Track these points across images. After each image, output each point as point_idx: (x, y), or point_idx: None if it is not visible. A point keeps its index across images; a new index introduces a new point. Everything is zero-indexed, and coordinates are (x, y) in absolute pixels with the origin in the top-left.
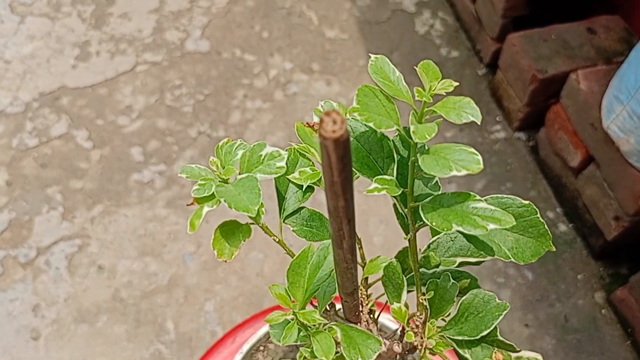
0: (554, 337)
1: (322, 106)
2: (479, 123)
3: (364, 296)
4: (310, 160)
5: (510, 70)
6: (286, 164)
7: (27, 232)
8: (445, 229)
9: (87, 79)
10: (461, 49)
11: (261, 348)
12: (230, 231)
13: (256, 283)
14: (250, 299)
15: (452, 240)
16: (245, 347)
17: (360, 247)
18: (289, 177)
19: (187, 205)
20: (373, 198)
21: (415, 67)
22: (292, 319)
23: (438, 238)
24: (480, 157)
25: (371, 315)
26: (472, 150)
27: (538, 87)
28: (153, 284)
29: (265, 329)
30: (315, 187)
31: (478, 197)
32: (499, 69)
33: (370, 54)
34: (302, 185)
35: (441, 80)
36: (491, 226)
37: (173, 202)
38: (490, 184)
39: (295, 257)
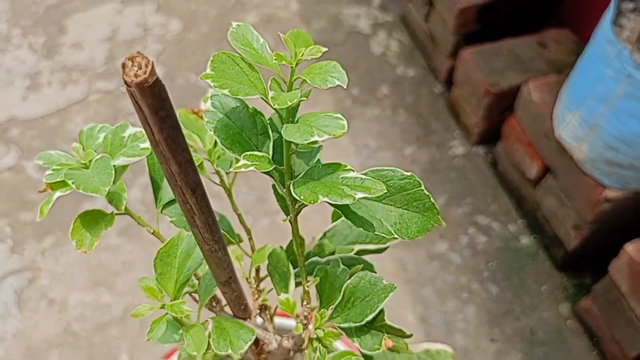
0: (521, 350)
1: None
2: (344, 87)
3: (254, 289)
4: (192, 147)
5: (464, 85)
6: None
7: None
8: (312, 202)
9: (38, 109)
10: (417, 68)
11: None
12: (94, 220)
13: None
14: None
15: (349, 227)
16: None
17: (250, 238)
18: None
19: (40, 191)
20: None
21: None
22: (163, 311)
23: (335, 225)
24: (345, 122)
25: (264, 313)
26: (338, 115)
27: (492, 100)
28: (107, 315)
29: None
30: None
31: (349, 167)
32: (454, 86)
33: (232, 22)
34: None
35: (312, 47)
36: (359, 195)
37: (127, 230)
38: (451, 200)
39: (162, 246)
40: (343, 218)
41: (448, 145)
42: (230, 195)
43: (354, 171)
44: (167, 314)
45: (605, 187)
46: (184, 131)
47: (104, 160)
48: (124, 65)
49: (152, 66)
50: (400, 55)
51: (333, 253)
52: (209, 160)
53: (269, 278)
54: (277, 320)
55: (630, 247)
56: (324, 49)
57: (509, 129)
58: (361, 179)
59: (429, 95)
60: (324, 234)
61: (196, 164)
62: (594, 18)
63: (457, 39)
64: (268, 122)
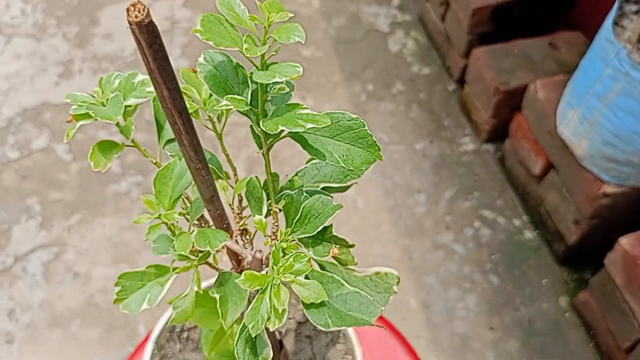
0: (519, 339)
1: (204, 57)
2: (303, 42)
3: (236, 215)
4: (191, 98)
5: (475, 83)
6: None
7: (5, 240)
8: (273, 130)
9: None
10: (432, 66)
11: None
12: (107, 148)
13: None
14: None
15: (317, 169)
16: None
17: (235, 174)
18: None
19: (67, 122)
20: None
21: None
22: (157, 221)
23: (305, 167)
24: (300, 69)
25: (244, 236)
26: (296, 64)
27: (501, 98)
28: None
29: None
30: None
31: (305, 106)
32: (466, 83)
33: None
34: None
35: (282, 12)
36: (309, 125)
37: (149, 212)
38: (458, 193)
39: (161, 169)
40: (312, 161)
41: (459, 141)
42: (220, 138)
43: (307, 109)
44: (162, 222)
45: (603, 182)
46: (184, 85)
47: (117, 97)
48: (128, 10)
49: (148, 11)
50: (416, 53)
51: (302, 186)
52: (203, 108)
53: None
54: None
55: (624, 240)
56: (291, 14)
57: (516, 126)
58: (312, 114)
59: (442, 92)
60: (296, 174)
61: (191, 111)
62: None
63: (471, 38)
64: (249, 74)
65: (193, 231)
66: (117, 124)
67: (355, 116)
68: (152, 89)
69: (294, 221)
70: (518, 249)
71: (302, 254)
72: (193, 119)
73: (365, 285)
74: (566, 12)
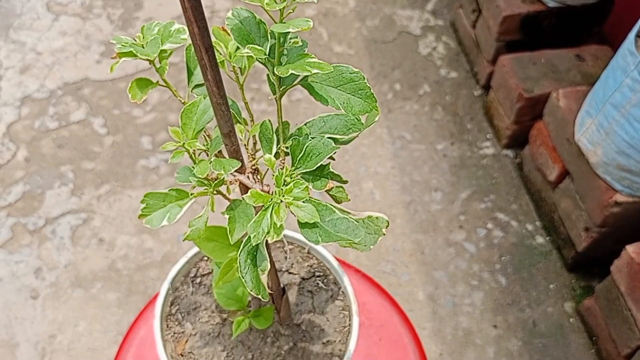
0: (521, 339)
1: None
2: (315, 2)
3: (250, 155)
4: (219, 51)
5: (500, 89)
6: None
7: (38, 203)
8: (283, 74)
9: (109, 73)
10: (460, 71)
11: (205, 258)
12: (144, 84)
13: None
14: None
15: (324, 122)
16: (190, 253)
17: (252, 120)
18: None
19: (112, 58)
20: (371, 160)
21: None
22: (182, 148)
23: (313, 119)
24: (311, 23)
25: (256, 175)
26: (308, 19)
27: (524, 105)
28: (147, 259)
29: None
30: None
31: (313, 56)
32: (491, 89)
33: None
34: None
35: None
36: (314, 70)
37: (175, 187)
38: (474, 194)
39: (187, 104)
40: (319, 115)
41: (479, 145)
42: (241, 88)
43: (314, 57)
44: (185, 150)
45: (616, 191)
46: (215, 40)
47: (155, 40)
48: None
49: None
50: (445, 57)
51: (308, 135)
52: (228, 60)
53: (262, 152)
54: (287, 232)
55: (631, 248)
56: None
57: (536, 132)
58: (318, 62)
59: (467, 97)
60: (305, 124)
61: (218, 61)
62: None
63: (499, 45)
64: (269, 30)
65: (211, 161)
66: (153, 63)
67: (356, 70)
68: (186, 36)
69: (298, 158)
70: (528, 253)
71: (301, 182)
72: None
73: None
74: (596, 27)
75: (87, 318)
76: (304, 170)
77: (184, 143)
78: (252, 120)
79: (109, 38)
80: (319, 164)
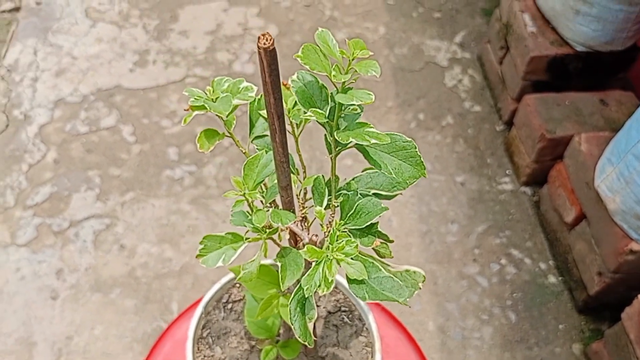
0: None
1: (297, 75)
2: (377, 76)
3: (301, 205)
4: None
5: (523, 127)
6: (258, 102)
7: (64, 205)
8: (344, 141)
9: (141, 82)
10: (484, 105)
11: (237, 285)
12: (211, 135)
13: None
14: None
15: (370, 178)
16: (224, 279)
17: (304, 171)
18: (260, 112)
19: (184, 110)
20: None
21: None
22: (242, 198)
23: (361, 174)
24: (373, 96)
25: (304, 223)
26: (369, 92)
27: (546, 145)
28: (166, 268)
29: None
30: None
31: (372, 126)
32: (513, 126)
33: (319, 27)
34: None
35: (364, 50)
36: (373, 141)
37: (197, 200)
38: (490, 229)
39: (250, 157)
40: (367, 171)
41: (498, 180)
42: (296, 141)
43: (374, 128)
44: (245, 199)
45: (632, 239)
46: None
47: (227, 97)
48: (259, 38)
49: (273, 41)
50: (470, 90)
51: (356, 190)
52: (287, 115)
53: (311, 201)
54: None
55: None
56: (371, 53)
57: (555, 173)
58: (377, 133)
59: (490, 131)
60: (353, 179)
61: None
62: None
63: (525, 84)
64: (330, 94)
65: (267, 210)
66: (221, 118)
67: (409, 139)
68: (253, 94)
69: (348, 215)
70: (540, 291)
71: (352, 240)
72: None
73: (396, 278)
74: (621, 73)
75: (104, 322)
76: (354, 227)
77: (244, 193)
78: (304, 172)
79: (143, 48)
80: (368, 223)
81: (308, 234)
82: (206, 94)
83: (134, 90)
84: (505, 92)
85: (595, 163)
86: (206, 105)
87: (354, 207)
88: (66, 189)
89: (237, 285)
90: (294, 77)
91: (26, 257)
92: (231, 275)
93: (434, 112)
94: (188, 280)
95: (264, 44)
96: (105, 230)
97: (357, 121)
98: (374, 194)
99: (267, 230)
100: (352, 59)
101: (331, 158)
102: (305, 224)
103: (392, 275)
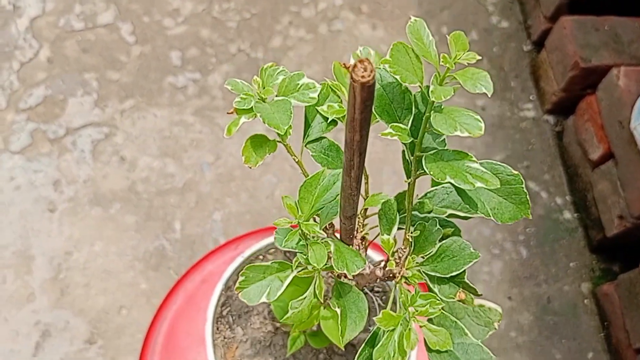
0: (533, 314)
1: (360, 51)
2: (489, 95)
3: (360, 224)
4: (339, 98)
5: (554, 52)
6: (318, 96)
7: (59, 110)
8: (440, 179)
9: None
10: (512, 21)
11: (260, 257)
12: (259, 143)
13: (265, 205)
14: (256, 218)
15: (447, 194)
16: (247, 252)
17: (367, 182)
18: (318, 108)
19: (228, 113)
20: (391, 150)
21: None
22: (296, 228)
23: (435, 189)
24: (482, 124)
25: (363, 242)
26: (477, 117)
27: (578, 74)
28: (168, 184)
29: (266, 241)
30: (338, 122)
31: (474, 158)
32: (544, 49)
33: (411, 16)
34: (328, 118)
35: (467, 51)
36: (478, 184)
37: (201, 111)
38: (508, 159)
39: (309, 177)
40: (443, 185)
41: (521, 106)
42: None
43: (477, 162)
44: (300, 229)
45: None
46: (335, 82)
47: (285, 103)
48: (355, 66)
49: (374, 74)
50: (499, 3)
51: (430, 212)
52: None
53: (373, 217)
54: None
55: None
56: (479, 57)
57: (585, 106)
58: (482, 171)
59: (516, 51)
60: (425, 194)
61: (339, 116)
62: None
63: (561, 2)
64: (414, 98)
65: (325, 243)
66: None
67: (515, 172)
68: (315, 95)
69: (427, 255)
70: (554, 227)
71: (437, 301)
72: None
73: (467, 315)
74: None
75: (104, 238)
76: (433, 274)
77: (299, 222)
78: (367, 182)
79: None
80: (453, 274)
81: (371, 267)
82: (254, 88)
83: None
84: (537, 9)
85: (633, 101)
86: (257, 113)
87: (438, 248)
88: (61, 92)
89: (261, 257)
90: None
91: (20, 165)
92: (255, 244)
93: (458, 26)
94: (191, 198)
95: (362, 76)
96: (104, 140)
97: (453, 149)
98: (449, 215)
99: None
100: (454, 63)
101: (409, 184)
102: (365, 242)
103: (480, 344)
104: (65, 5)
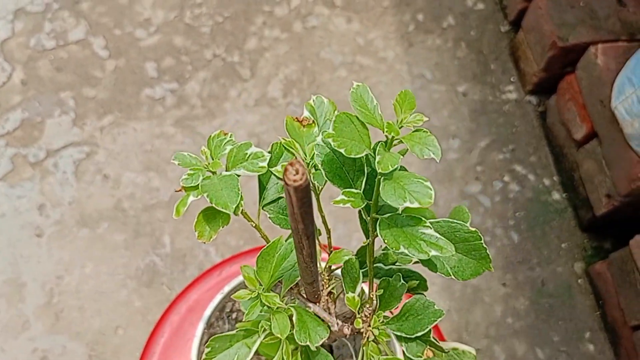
0: (529, 298)
1: (313, 101)
2: (437, 160)
3: (325, 280)
4: (294, 155)
5: (532, 32)
6: (270, 156)
7: (38, 133)
8: (394, 248)
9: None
10: (487, 2)
11: (242, 289)
12: (212, 216)
13: (253, 210)
14: (246, 225)
15: None
16: (227, 288)
17: (329, 237)
18: (272, 169)
19: (176, 191)
20: (388, 100)
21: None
22: (257, 299)
23: None
24: (432, 192)
25: (330, 297)
26: (428, 184)
27: (556, 54)
28: (154, 199)
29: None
30: None
31: (428, 224)
32: (521, 29)
33: (354, 82)
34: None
35: (414, 112)
36: (433, 252)
37: (181, 121)
38: (494, 144)
39: (265, 247)
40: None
41: (502, 88)
42: (318, 200)
43: (431, 228)
44: (260, 300)
45: None
46: (288, 140)
47: (232, 179)
48: (285, 170)
49: (306, 176)
50: None
51: (394, 262)
52: (304, 166)
53: (337, 271)
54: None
55: None
56: (425, 119)
57: (566, 85)
58: (436, 237)
59: (494, 33)
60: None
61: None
62: None
63: None
64: (364, 160)
65: (289, 310)
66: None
67: (473, 229)
68: (265, 164)
69: (393, 316)
70: (543, 209)
71: None
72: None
73: None
74: None
75: (94, 259)
76: (399, 333)
77: (259, 293)
78: (329, 237)
79: None
80: (419, 334)
81: (335, 315)
82: (202, 158)
83: None
84: None
85: (612, 79)
86: (202, 192)
87: (402, 308)
88: (38, 114)
89: (242, 289)
90: (319, 141)
91: (3, 192)
92: (234, 280)
93: (433, 11)
94: None
95: (294, 180)
96: (85, 160)
97: (406, 214)
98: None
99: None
100: (400, 127)
101: (368, 243)
102: (332, 297)
103: None
104: (35, 24)
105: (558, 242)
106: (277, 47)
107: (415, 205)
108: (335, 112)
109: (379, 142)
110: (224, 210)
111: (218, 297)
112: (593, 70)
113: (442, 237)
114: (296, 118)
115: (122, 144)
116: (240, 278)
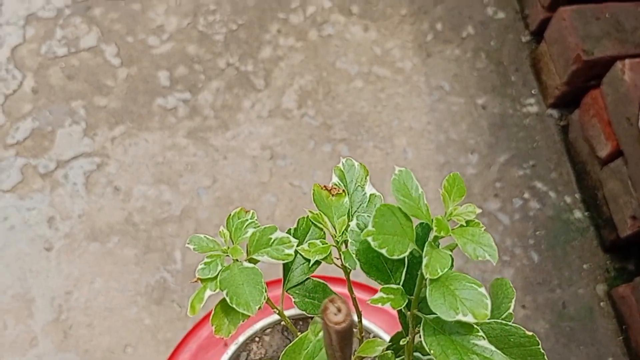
0: (549, 322)
1: (343, 164)
2: (494, 264)
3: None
4: (322, 230)
5: (555, 44)
6: (296, 245)
7: (48, 143)
8: (436, 356)
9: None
10: (508, 11)
11: (256, 339)
12: (232, 308)
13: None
14: None
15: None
16: (241, 339)
17: (360, 321)
18: (298, 249)
19: (191, 282)
20: (392, 159)
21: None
22: None
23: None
24: (489, 302)
25: None
26: (482, 291)
27: (580, 67)
28: (165, 213)
29: (262, 323)
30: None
31: (481, 333)
32: (543, 41)
33: (395, 167)
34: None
35: (464, 201)
36: None
37: (194, 133)
38: (513, 159)
39: (291, 344)
40: None
41: (523, 101)
42: (348, 280)
43: (484, 339)
44: None
45: None
46: (316, 213)
47: (255, 273)
48: (325, 308)
49: (350, 315)
50: None
51: None
52: (336, 247)
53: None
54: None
55: None
56: (478, 211)
57: (590, 101)
58: (491, 351)
59: (514, 43)
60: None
61: (324, 254)
62: None
63: None
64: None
65: None
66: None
67: (530, 334)
68: (291, 251)
69: None
70: (564, 228)
71: None
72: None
73: None
74: None
75: (104, 274)
76: None
77: None
78: (360, 321)
79: None
80: None
81: None
82: (220, 240)
83: (114, 1)
84: None
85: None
86: (221, 288)
87: None
88: (49, 123)
89: (257, 339)
90: (353, 225)
91: (12, 203)
92: (249, 330)
93: (453, 20)
94: (190, 225)
95: (336, 322)
96: (96, 171)
97: (455, 320)
98: None
99: None
100: (449, 219)
101: (408, 341)
102: None
103: None
104: (46, 30)
105: (580, 263)
106: (292, 56)
107: (469, 319)
108: (368, 177)
109: (420, 226)
110: (244, 312)
111: (232, 348)
112: (620, 87)
113: (498, 351)
114: (324, 186)
115: (133, 155)
116: (255, 326)
